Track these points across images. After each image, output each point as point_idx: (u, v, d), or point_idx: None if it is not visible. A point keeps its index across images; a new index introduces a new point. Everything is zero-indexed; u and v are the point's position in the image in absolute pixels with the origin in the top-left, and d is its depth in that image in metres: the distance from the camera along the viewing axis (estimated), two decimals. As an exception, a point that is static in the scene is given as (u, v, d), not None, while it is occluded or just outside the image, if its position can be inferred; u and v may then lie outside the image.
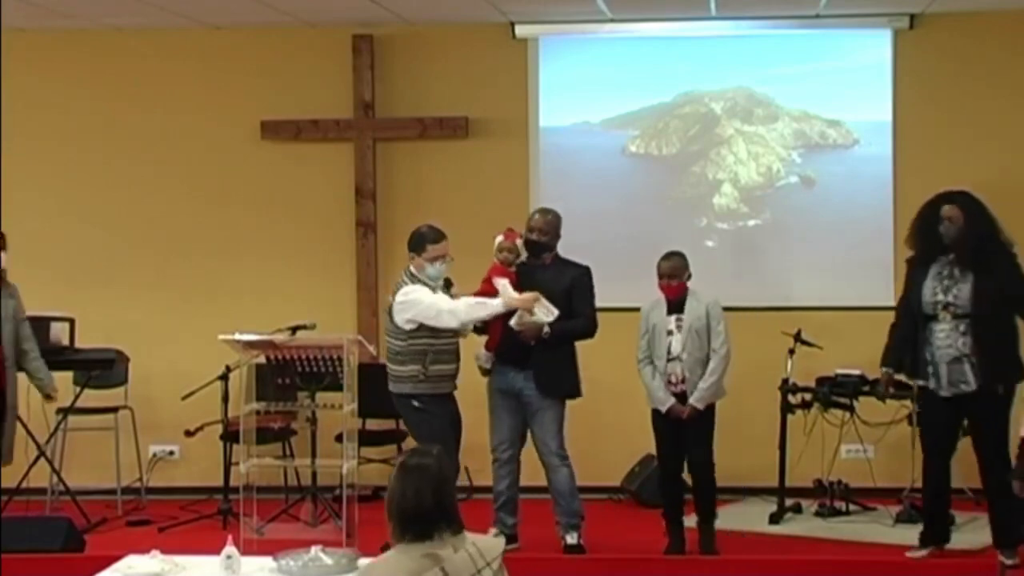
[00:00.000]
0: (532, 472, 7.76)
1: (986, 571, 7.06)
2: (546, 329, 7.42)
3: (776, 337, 8.45)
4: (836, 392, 8.20)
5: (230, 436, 8.33)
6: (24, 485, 8.40)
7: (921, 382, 7.24)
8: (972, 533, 7.74)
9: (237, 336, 7.33)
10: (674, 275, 7.46)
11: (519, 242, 7.63)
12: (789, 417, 8.34)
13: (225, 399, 8.35)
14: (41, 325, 8.43)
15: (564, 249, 7.76)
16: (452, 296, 7.44)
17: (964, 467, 8.23)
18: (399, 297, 7.34)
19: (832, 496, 8.36)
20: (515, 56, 9.20)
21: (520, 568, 7.23)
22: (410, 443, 8.94)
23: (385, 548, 4.24)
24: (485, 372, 7.68)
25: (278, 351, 7.48)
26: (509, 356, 7.54)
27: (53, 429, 8.58)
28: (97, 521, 8.28)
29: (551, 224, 7.66)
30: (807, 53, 9.12)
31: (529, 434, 7.69)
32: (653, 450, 7.83)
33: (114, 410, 8.86)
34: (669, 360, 7.43)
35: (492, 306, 7.37)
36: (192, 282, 9.26)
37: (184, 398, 8.40)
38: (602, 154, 9.22)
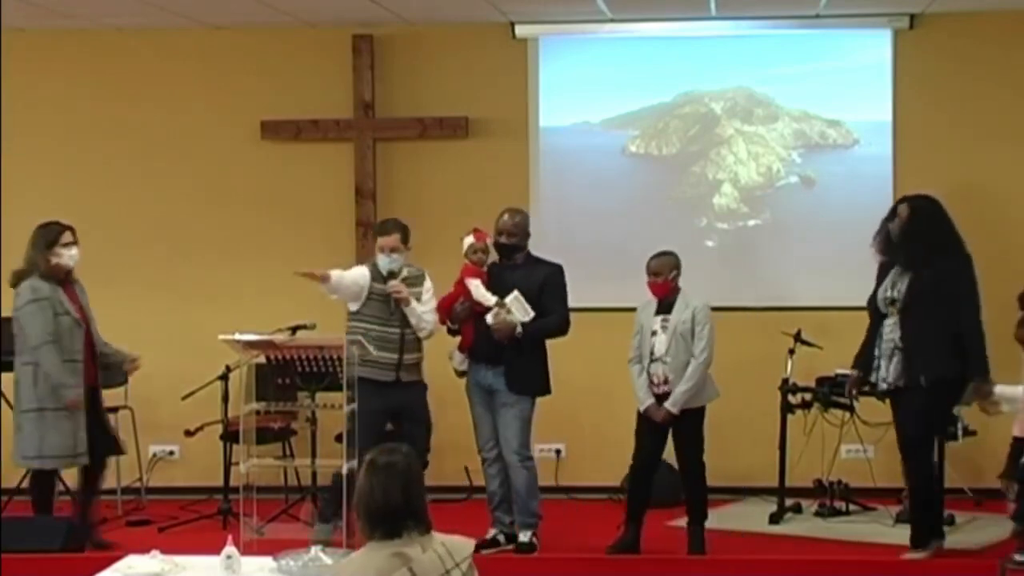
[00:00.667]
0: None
1: (986, 571, 7.06)
2: (519, 329, 7.46)
3: (776, 337, 8.45)
4: (836, 392, 8.20)
5: (230, 436, 8.34)
6: (24, 485, 8.39)
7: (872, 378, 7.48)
8: (972, 533, 7.75)
9: (237, 336, 7.33)
10: (659, 272, 7.48)
11: (489, 242, 7.67)
12: (789, 417, 8.34)
13: (225, 399, 8.36)
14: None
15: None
16: (393, 289, 7.52)
17: (964, 467, 8.27)
18: None
19: (832, 496, 8.36)
20: (515, 56, 9.20)
21: (532, 568, 7.28)
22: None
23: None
24: (460, 374, 7.73)
25: (278, 351, 7.47)
26: (482, 353, 7.62)
27: (53, 429, 8.57)
28: (97, 521, 8.27)
29: (519, 225, 7.70)
30: (807, 53, 9.12)
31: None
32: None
33: (114, 410, 8.82)
34: (652, 361, 7.45)
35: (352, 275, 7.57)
36: (192, 282, 9.26)
37: (184, 398, 8.40)
38: (602, 154, 9.22)
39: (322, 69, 9.24)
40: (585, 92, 9.19)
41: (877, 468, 8.56)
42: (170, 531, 8.17)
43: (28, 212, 9.07)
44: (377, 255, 7.65)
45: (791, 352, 8.40)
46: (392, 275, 7.59)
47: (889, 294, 7.39)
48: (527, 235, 7.75)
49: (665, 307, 7.49)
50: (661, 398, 7.44)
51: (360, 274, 7.64)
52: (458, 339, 7.75)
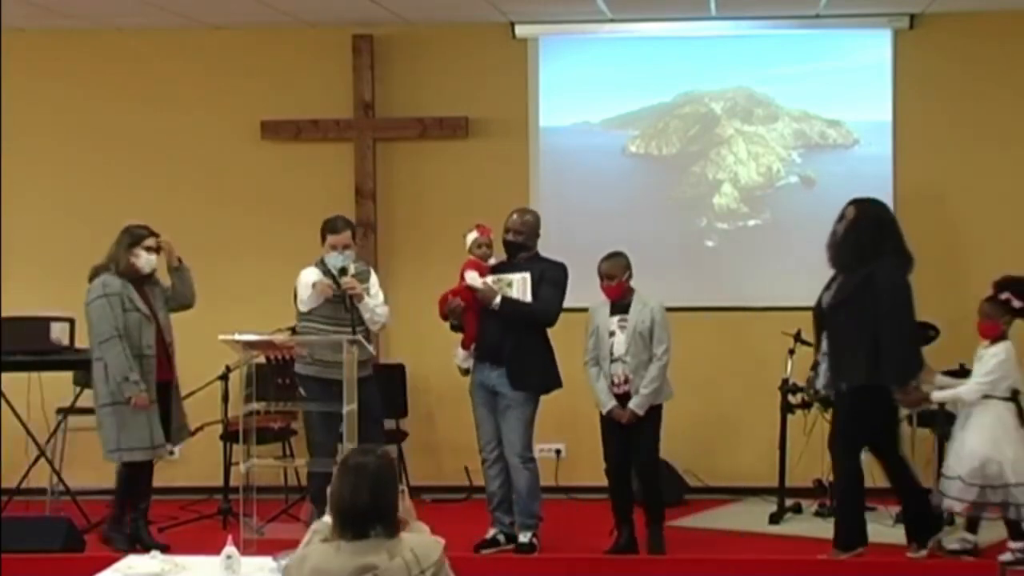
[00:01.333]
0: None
1: (986, 571, 7.06)
2: (497, 300, 7.47)
3: (776, 337, 8.45)
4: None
5: (230, 436, 8.34)
6: (24, 485, 8.40)
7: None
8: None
9: (237, 336, 7.33)
10: (612, 275, 7.49)
11: (493, 237, 7.68)
12: (789, 417, 8.35)
13: (225, 399, 8.37)
14: (41, 325, 8.42)
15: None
16: (348, 285, 7.54)
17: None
18: None
19: (832, 496, 8.35)
20: (515, 56, 9.20)
21: (532, 568, 7.28)
22: (410, 442, 8.95)
23: None
24: (464, 372, 7.73)
25: (278, 351, 7.48)
26: (486, 352, 7.61)
27: (53, 429, 8.57)
28: (97, 521, 8.27)
29: (527, 224, 7.70)
30: (807, 53, 9.13)
31: None
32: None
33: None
34: (612, 361, 7.45)
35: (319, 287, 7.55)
36: (192, 282, 9.25)
37: (184, 398, 8.39)
38: (602, 154, 9.22)
39: (322, 69, 9.24)
40: (585, 92, 9.20)
41: (877, 468, 8.54)
42: (170, 531, 8.16)
43: (28, 212, 9.11)
44: (328, 253, 7.65)
45: (791, 352, 8.40)
46: (343, 272, 7.60)
47: (824, 298, 7.34)
48: (535, 235, 7.73)
49: (621, 308, 7.49)
50: (621, 398, 7.45)
51: (318, 277, 7.64)
52: (458, 339, 7.73)
